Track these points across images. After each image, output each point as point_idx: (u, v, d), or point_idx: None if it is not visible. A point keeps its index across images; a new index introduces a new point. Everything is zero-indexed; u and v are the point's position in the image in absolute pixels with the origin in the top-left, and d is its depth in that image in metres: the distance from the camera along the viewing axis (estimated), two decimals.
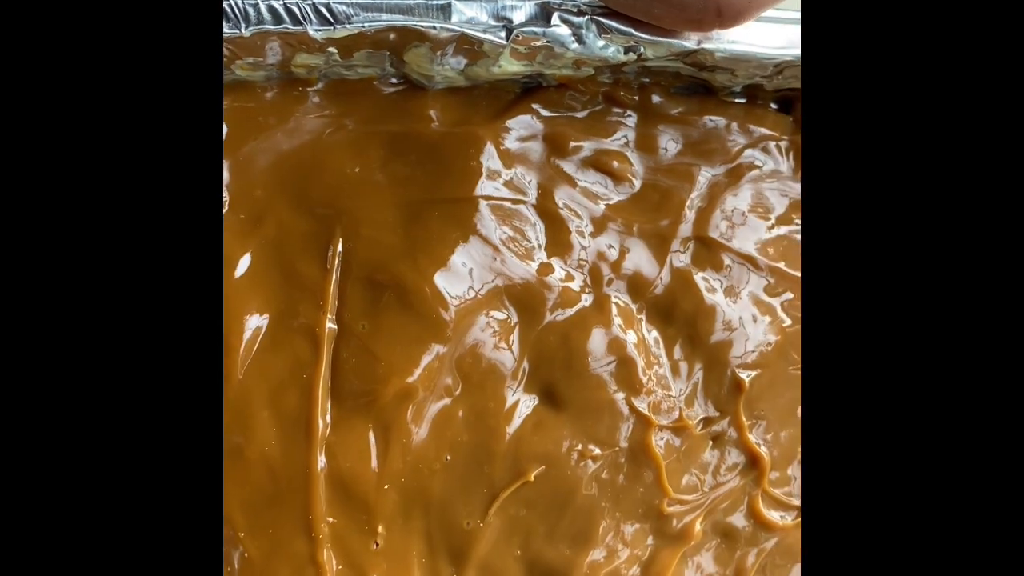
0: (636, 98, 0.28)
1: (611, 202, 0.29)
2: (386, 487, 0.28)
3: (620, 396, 0.28)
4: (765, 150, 0.29)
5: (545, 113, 0.28)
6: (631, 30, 0.25)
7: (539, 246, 0.28)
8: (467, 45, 0.25)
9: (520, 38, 0.25)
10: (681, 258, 0.29)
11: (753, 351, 0.29)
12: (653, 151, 0.29)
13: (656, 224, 0.29)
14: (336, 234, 0.27)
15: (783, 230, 0.30)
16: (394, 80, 0.27)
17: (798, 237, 0.30)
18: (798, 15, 0.26)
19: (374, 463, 0.27)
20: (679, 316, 0.29)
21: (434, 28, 0.24)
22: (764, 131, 0.29)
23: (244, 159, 0.27)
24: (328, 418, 0.27)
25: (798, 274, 0.30)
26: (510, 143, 0.28)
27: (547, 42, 0.25)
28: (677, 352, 0.29)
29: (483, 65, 0.26)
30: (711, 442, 0.30)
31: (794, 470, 0.31)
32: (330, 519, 0.27)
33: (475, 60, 0.26)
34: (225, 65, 0.25)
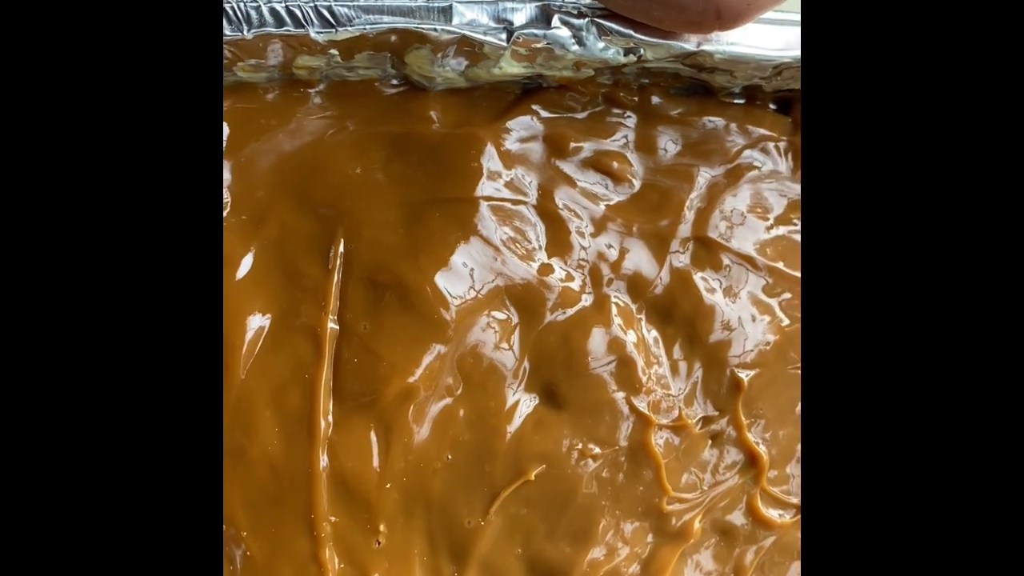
0: (636, 99, 0.29)
1: (611, 202, 0.29)
2: (388, 486, 0.28)
3: (620, 395, 0.29)
4: (764, 151, 0.30)
5: (545, 114, 0.28)
6: (631, 32, 0.25)
7: (539, 246, 0.28)
8: (468, 47, 0.25)
9: (521, 40, 0.25)
10: (680, 258, 0.29)
11: (752, 351, 0.30)
12: (653, 152, 0.29)
13: (656, 224, 0.29)
14: (338, 234, 0.27)
15: (782, 230, 0.30)
16: (395, 81, 0.27)
17: (796, 237, 0.30)
18: (797, 17, 0.26)
19: (376, 462, 0.28)
20: (678, 316, 0.29)
21: (435, 30, 0.24)
22: (763, 132, 0.30)
23: (246, 160, 0.27)
24: (330, 418, 0.27)
25: (796, 274, 0.30)
26: (510, 144, 0.28)
27: (547, 44, 0.25)
28: (676, 352, 0.29)
29: (484, 67, 0.26)
30: (710, 441, 0.30)
31: (792, 468, 0.31)
32: (332, 518, 0.28)
33: (476, 62, 0.26)
34: (227, 67, 0.25)
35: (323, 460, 0.27)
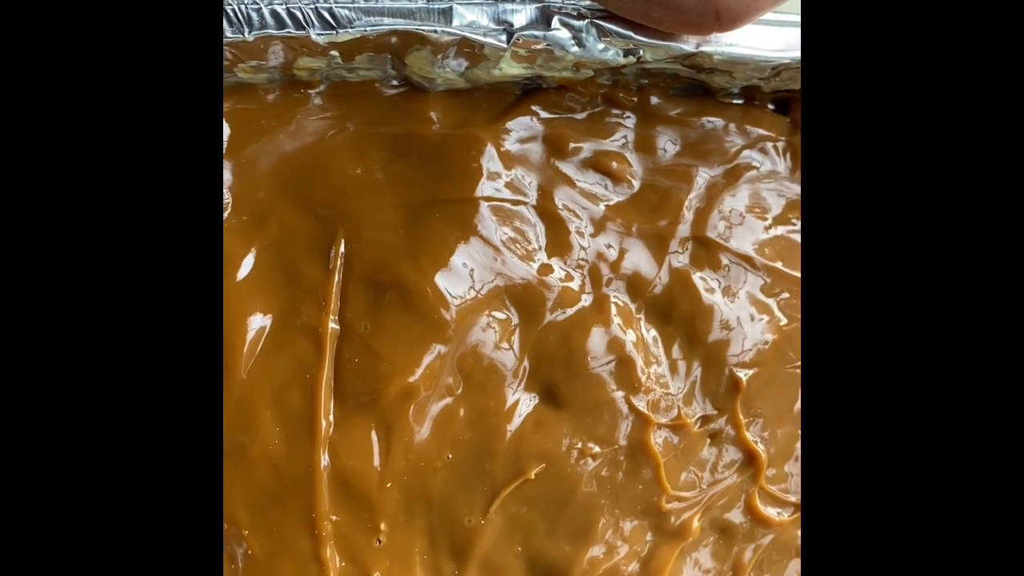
0: (635, 100, 0.29)
1: (610, 203, 0.29)
2: (388, 485, 0.28)
3: (619, 395, 0.29)
4: (762, 151, 0.30)
5: (545, 115, 0.28)
6: (630, 33, 0.25)
7: (539, 247, 0.28)
8: (468, 48, 0.25)
9: (521, 41, 0.25)
10: (679, 258, 0.29)
11: (750, 350, 0.30)
12: (652, 152, 0.29)
13: (655, 224, 0.29)
14: (338, 235, 0.27)
15: (780, 230, 0.30)
16: (395, 82, 0.27)
17: (795, 237, 0.30)
18: (795, 18, 0.26)
19: (376, 461, 0.28)
20: (677, 316, 0.29)
21: (435, 32, 0.24)
22: (761, 132, 0.30)
23: (247, 161, 0.27)
24: (331, 417, 0.28)
25: (795, 274, 0.30)
26: (510, 144, 0.28)
27: (547, 45, 0.25)
28: (675, 351, 0.30)
29: (484, 68, 0.26)
30: (709, 440, 0.30)
31: (790, 467, 0.31)
32: (333, 517, 0.28)
33: (476, 63, 0.26)
34: (227, 68, 0.25)
35: (324, 459, 0.28)
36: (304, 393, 0.27)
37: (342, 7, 0.24)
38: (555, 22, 0.25)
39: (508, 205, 0.28)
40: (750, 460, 0.31)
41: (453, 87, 0.27)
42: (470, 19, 0.25)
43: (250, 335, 0.27)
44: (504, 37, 0.25)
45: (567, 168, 0.28)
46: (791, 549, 0.32)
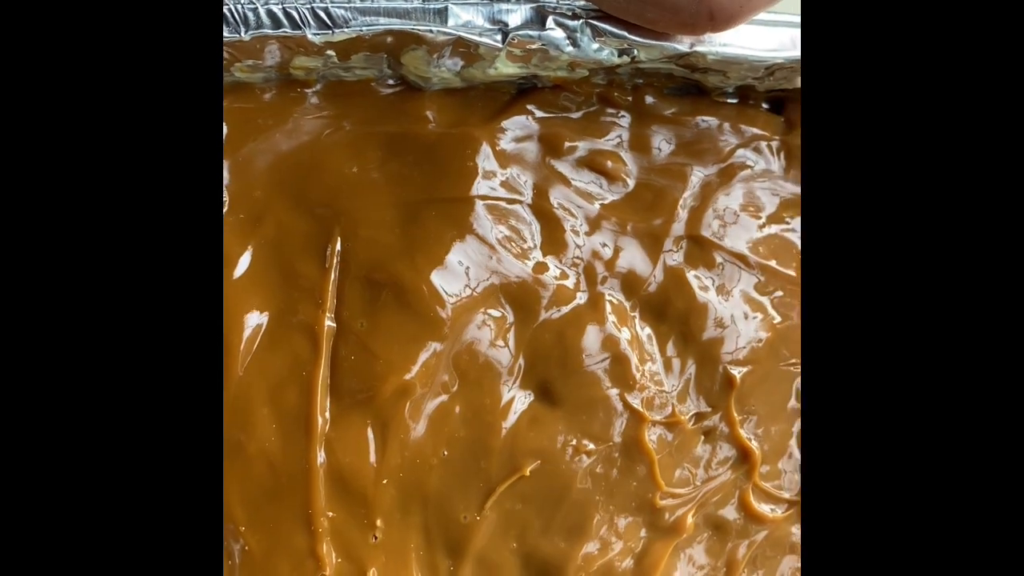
0: (630, 99, 0.29)
1: (605, 201, 0.29)
2: (384, 482, 0.28)
3: (614, 392, 0.29)
4: (756, 150, 0.30)
5: (540, 114, 0.28)
6: (625, 33, 0.25)
7: (534, 245, 0.29)
8: (463, 48, 0.25)
9: (516, 41, 0.25)
10: (674, 257, 0.29)
11: (744, 348, 0.30)
12: (647, 151, 0.29)
13: (649, 223, 0.29)
14: (334, 234, 0.27)
15: (774, 229, 0.30)
16: (391, 81, 0.28)
17: (789, 236, 0.30)
18: (789, 18, 0.27)
19: (372, 458, 0.28)
20: (672, 314, 0.29)
21: (431, 32, 0.25)
22: (756, 131, 0.30)
23: (243, 160, 0.27)
24: (327, 414, 0.28)
25: (789, 272, 0.30)
26: (506, 144, 0.28)
27: (542, 45, 0.25)
28: (670, 349, 0.30)
29: (479, 67, 0.27)
30: (703, 437, 0.30)
31: (784, 464, 0.31)
32: (329, 513, 0.28)
33: (471, 62, 0.26)
34: (224, 67, 0.26)
35: (320, 456, 0.28)
36: (300, 390, 0.27)
37: (338, 7, 0.24)
38: (550, 22, 0.25)
39: (503, 204, 0.28)
40: (744, 457, 0.31)
41: (449, 86, 0.28)
42: (465, 19, 0.25)
43: (247, 333, 0.27)
44: (499, 37, 0.25)
45: (562, 167, 0.29)
46: (785, 545, 0.32)
